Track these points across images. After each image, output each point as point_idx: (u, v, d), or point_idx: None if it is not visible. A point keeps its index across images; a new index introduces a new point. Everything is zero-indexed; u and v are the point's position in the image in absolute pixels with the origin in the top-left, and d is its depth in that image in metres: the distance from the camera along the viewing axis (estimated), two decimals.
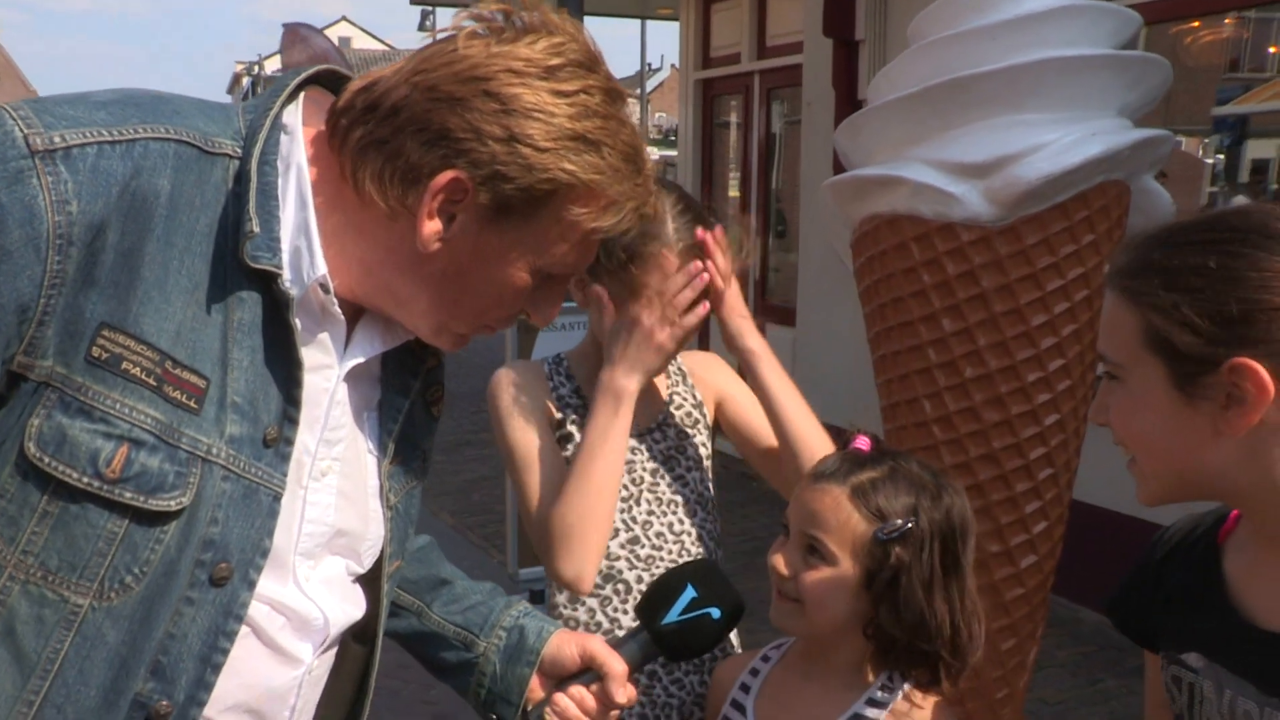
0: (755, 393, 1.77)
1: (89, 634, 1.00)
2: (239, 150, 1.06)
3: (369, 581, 1.29)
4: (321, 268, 1.08)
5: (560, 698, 1.38)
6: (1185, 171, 5.44)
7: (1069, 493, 2.51)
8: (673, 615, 1.39)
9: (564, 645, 1.43)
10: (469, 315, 1.16)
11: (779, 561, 1.50)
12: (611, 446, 1.62)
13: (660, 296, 1.62)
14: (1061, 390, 2.38)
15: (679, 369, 1.89)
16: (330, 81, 1.18)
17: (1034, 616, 2.54)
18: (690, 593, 1.40)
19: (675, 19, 8.88)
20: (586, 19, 6.29)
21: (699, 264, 1.64)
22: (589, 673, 1.40)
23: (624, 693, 1.37)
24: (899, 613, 1.43)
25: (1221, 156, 5.28)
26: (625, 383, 1.63)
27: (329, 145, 1.10)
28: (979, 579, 2.48)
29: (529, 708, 1.41)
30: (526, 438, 1.71)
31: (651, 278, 1.64)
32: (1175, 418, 1.12)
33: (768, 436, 1.82)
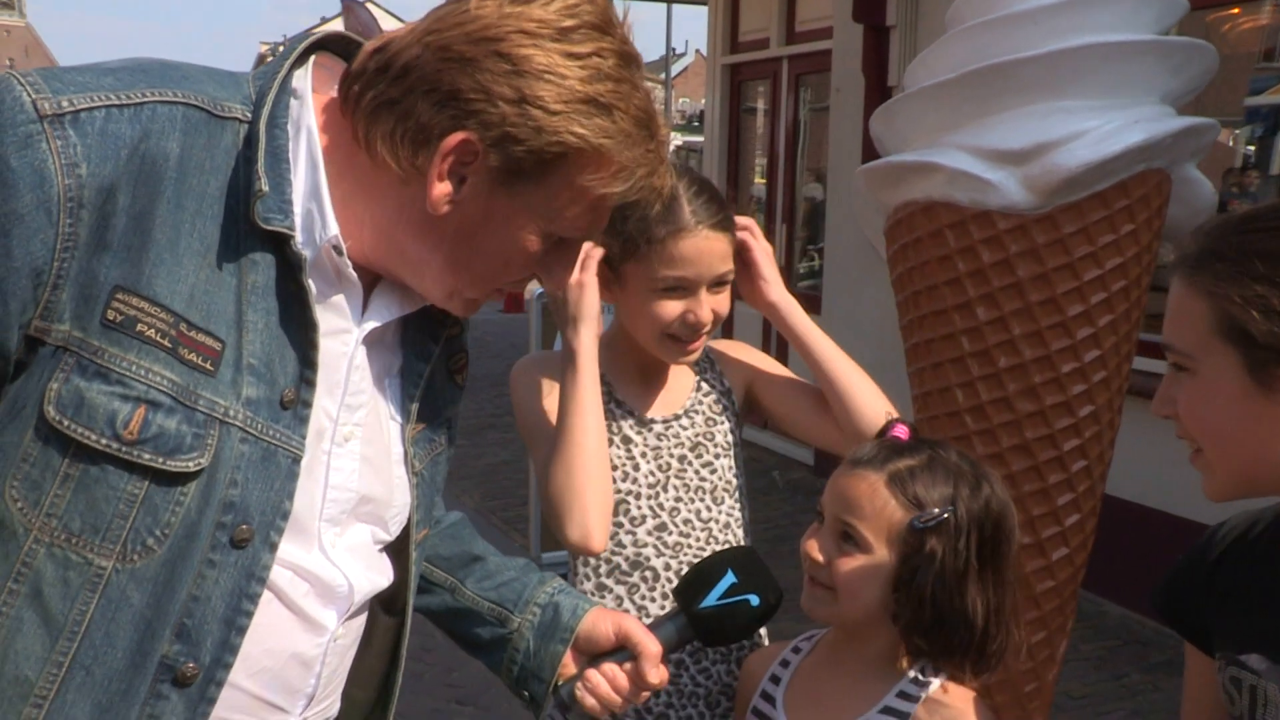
0: (795, 346, 1.80)
1: (113, 596, 1.01)
2: (248, 114, 1.06)
3: (396, 550, 1.29)
4: (334, 229, 1.08)
5: (593, 674, 1.38)
6: (1217, 162, 5.37)
7: (1102, 485, 2.48)
8: (711, 599, 1.38)
9: (599, 622, 1.42)
10: (480, 279, 1.15)
11: (812, 547, 1.47)
12: (581, 402, 1.62)
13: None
14: (1097, 381, 2.35)
15: (707, 356, 1.86)
16: (341, 48, 1.18)
17: (1064, 610, 2.52)
18: (730, 578, 1.39)
19: (703, 3, 8.83)
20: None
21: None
22: (623, 651, 1.39)
23: (657, 673, 1.36)
24: (932, 603, 1.40)
25: (1253, 148, 5.21)
26: (571, 337, 1.64)
27: (341, 109, 1.10)
28: None
29: (560, 683, 1.41)
30: (542, 420, 1.73)
31: (670, 266, 1.63)
32: (1250, 409, 1.10)
33: (812, 405, 1.80)
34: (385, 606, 1.31)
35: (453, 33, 1.04)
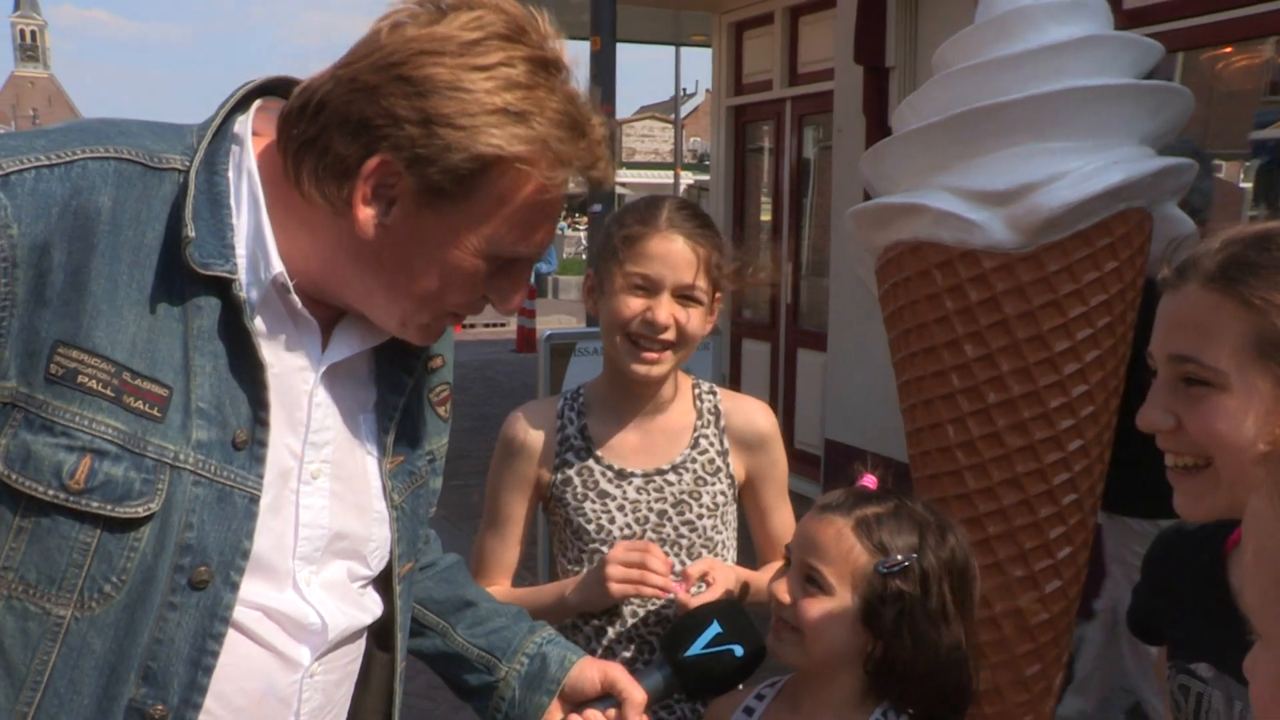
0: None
1: (74, 644, 1.02)
2: (187, 163, 1.07)
3: (382, 585, 1.30)
4: (276, 267, 1.08)
5: (575, 718, 1.39)
6: (1222, 199, 5.42)
7: (1093, 517, 2.52)
8: (696, 648, 1.41)
9: (586, 670, 1.43)
10: (424, 303, 1.14)
11: (780, 589, 1.49)
12: (570, 608, 1.73)
13: (639, 565, 1.64)
14: (1085, 416, 2.40)
15: (715, 407, 1.84)
16: (286, 91, 1.18)
17: (1059, 642, 2.54)
18: (715, 628, 1.41)
19: (708, 45, 8.96)
20: (620, 45, 6.37)
21: (683, 581, 1.67)
22: (608, 699, 1.41)
23: None
24: (897, 648, 1.41)
25: (1251, 183, 5.26)
26: (573, 601, 1.72)
27: (277, 148, 1.11)
28: (1004, 603, 2.50)
29: None
30: (503, 509, 1.82)
31: (638, 263, 1.67)
32: None
33: (766, 524, 1.85)
34: (379, 643, 1.32)
35: (361, 64, 1.05)
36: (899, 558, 1.42)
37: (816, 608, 1.44)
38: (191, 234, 1.04)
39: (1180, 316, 1.12)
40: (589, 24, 6.07)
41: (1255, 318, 1.06)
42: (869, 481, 1.52)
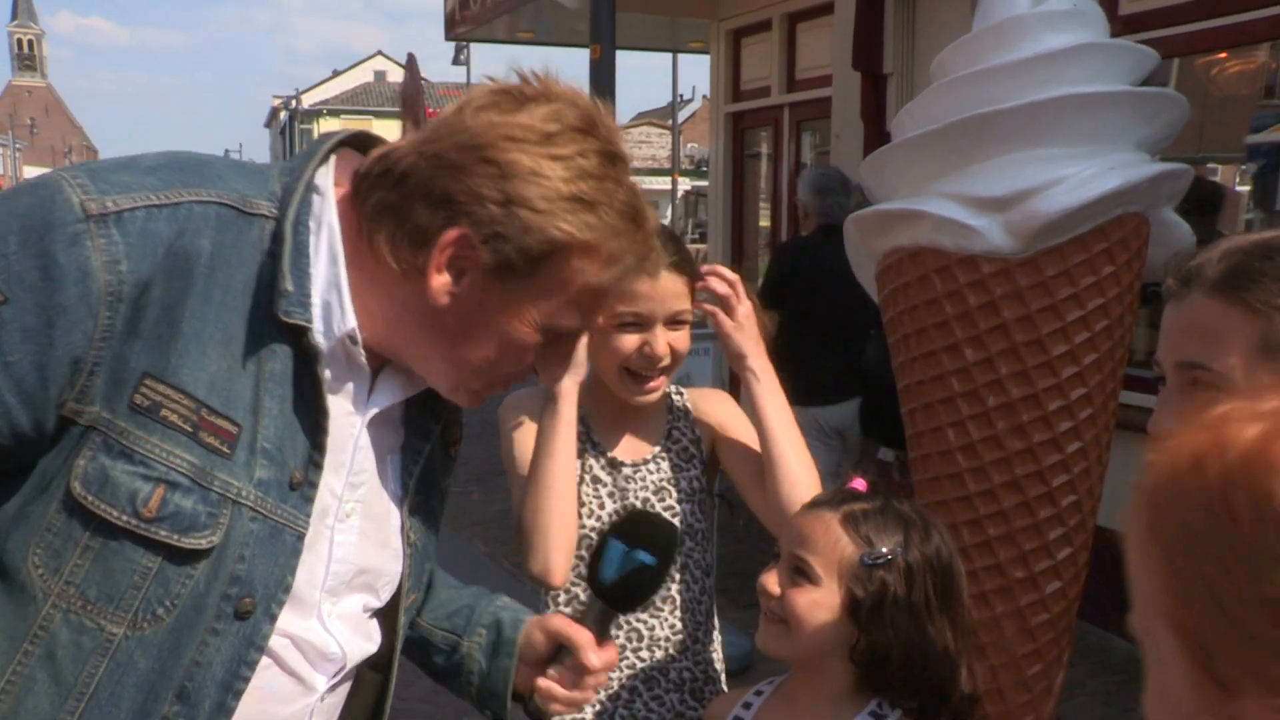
0: (752, 415, 1.81)
1: (122, 660, 1.08)
2: (274, 211, 1.13)
3: (386, 613, 1.36)
4: (351, 321, 1.15)
5: (542, 682, 1.44)
6: (1220, 203, 5.44)
7: (1093, 519, 2.54)
8: (610, 573, 1.42)
9: (532, 631, 1.48)
10: (481, 371, 1.21)
11: (769, 580, 1.54)
12: (555, 446, 1.73)
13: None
14: (1083, 418, 2.42)
15: (684, 405, 1.94)
16: (360, 144, 1.26)
17: (1060, 642, 2.56)
18: (618, 545, 1.43)
19: (706, 52, 9.00)
20: (619, 52, 6.40)
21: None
22: (563, 649, 1.45)
23: (598, 656, 1.41)
24: (880, 640, 1.46)
25: (1248, 187, 5.29)
26: (554, 384, 1.74)
27: (352, 206, 1.17)
28: (1004, 605, 2.53)
29: (528, 706, 1.47)
30: (520, 459, 1.83)
31: (628, 303, 1.71)
32: None
33: (750, 475, 1.84)
34: (371, 663, 1.37)
35: (445, 142, 1.12)
36: (884, 550, 1.46)
37: (804, 598, 1.50)
38: (290, 288, 1.10)
39: (1187, 324, 1.17)
40: (588, 32, 6.11)
41: (1260, 322, 1.11)
42: (858, 484, 1.58)
